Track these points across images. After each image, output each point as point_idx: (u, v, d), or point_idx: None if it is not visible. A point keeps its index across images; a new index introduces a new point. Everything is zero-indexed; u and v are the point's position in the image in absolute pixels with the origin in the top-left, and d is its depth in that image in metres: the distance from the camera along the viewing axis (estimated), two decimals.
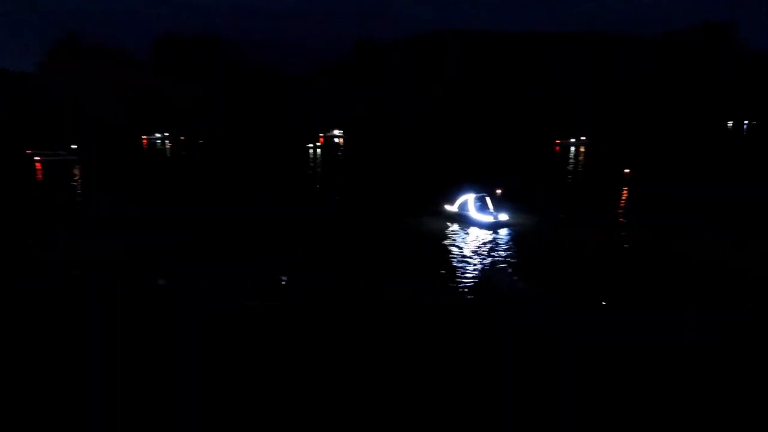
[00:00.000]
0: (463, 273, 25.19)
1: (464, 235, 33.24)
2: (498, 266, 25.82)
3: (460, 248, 29.95)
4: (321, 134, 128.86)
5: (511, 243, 31.54)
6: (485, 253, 28.99)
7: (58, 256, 26.52)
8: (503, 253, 28.95)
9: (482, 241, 31.61)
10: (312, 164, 78.77)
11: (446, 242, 31.43)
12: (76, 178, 61.64)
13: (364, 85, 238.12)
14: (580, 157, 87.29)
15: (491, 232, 34.00)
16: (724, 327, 17.45)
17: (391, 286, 22.55)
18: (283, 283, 22.38)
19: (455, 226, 35.56)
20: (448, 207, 37.70)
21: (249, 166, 74.02)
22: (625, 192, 49.49)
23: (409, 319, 19.10)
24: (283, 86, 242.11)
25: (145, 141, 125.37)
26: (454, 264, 26.70)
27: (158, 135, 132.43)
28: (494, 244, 31.19)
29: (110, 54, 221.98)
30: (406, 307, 20.22)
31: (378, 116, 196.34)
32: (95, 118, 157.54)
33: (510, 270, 24.44)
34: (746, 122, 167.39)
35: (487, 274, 24.77)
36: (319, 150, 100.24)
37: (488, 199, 36.85)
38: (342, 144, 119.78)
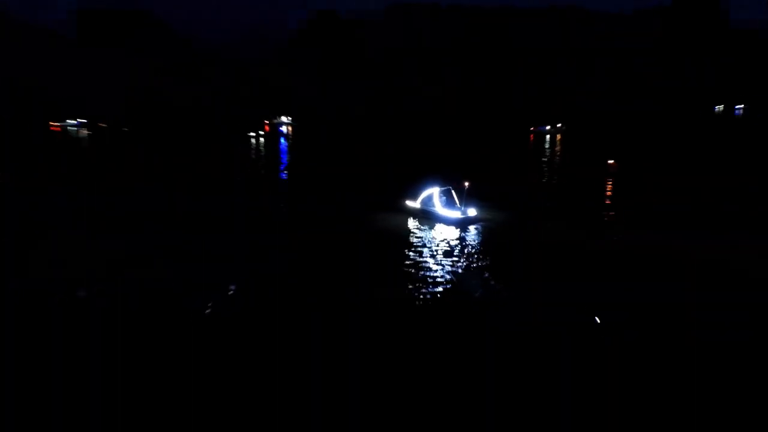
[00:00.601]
0: (430, 275, 24.62)
1: (429, 234, 32.88)
2: (470, 266, 25.43)
3: (426, 248, 29.41)
4: (266, 121, 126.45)
5: (481, 241, 31.33)
6: (454, 252, 28.54)
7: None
8: (474, 252, 28.60)
9: (450, 240, 31.25)
10: (252, 156, 76.86)
11: (409, 242, 30.88)
12: None
13: (319, 65, 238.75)
14: (557, 146, 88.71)
15: (459, 228, 33.76)
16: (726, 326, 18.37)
17: (352, 292, 22.08)
18: (230, 293, 21.72)
19: (419, 224, 35.16)
20: (410, 203, 37.32)
21: (175, 158, 71.78)
22: (609, 185, 50.13)
23: (375, 326, 18.72)
24: (226, 66, 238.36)
25: (56, 128, 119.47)
26: (420, 266, 26.11)
27: (73, 121, 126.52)
28: (463, 242, 30.83)
29: (32, 30, 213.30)
30: (371, 312, 19.83)
31: (334, 100, 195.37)
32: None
33: (485, 272, 24.14)
34: (739, 107, 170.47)
35: (457, 275, 24.35)
36: (262, 139, 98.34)
37: (454, 193, 36.68)
38: (291, 132, 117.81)
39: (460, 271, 25.19)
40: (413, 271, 25.22)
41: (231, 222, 35.44)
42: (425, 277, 24.43)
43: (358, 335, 18.14)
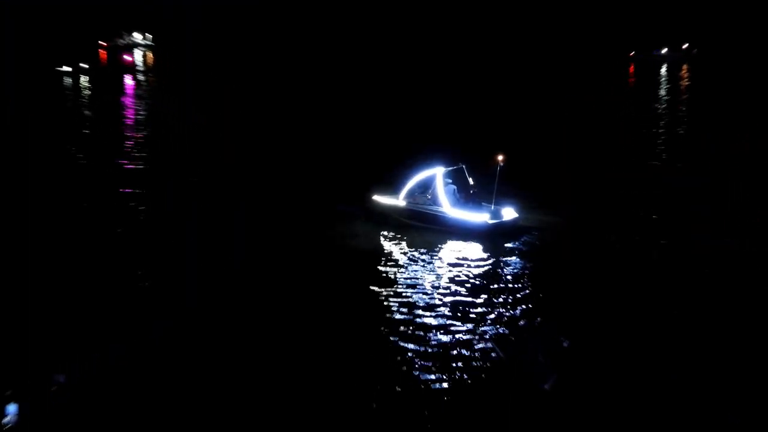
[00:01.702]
0: (448, 339, 24.33)
1: (431, 256, 33.03)
2: (518, 322, 25.79)
3: (426, 287, 29.26)
4: (103, 43, 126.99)
5: (532, 270, 31.24)
6: (480, 295, 28.19)
7: None
8: (521, 293, 28.34)
9: (471, 270, 31.03)
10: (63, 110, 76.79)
11: (395, 274, 30.75)
12: None
13: None
14: (682, 84, 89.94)
15: (485, 246, 33.86)
16: None
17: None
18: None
19: (408, 240, 35.40)
20: (385, 200, 38.03)
21: None
22: None
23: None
24: None
25: None
26: (422, 319, 25.92)
27: None
28: (498, 274, 30.67)
29: None
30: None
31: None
32: None
33: (554, 328, 24.41)
34: None
35: (500, 344, 24.26)
36: (85, 77, 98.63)
37: (470, 179, 37.60)
38: (150, 63, 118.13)
39: (502, 331, 24.94)
40: (407, 331, 24.80)
41: None
42: (433, 352, 23.81)
43: None
